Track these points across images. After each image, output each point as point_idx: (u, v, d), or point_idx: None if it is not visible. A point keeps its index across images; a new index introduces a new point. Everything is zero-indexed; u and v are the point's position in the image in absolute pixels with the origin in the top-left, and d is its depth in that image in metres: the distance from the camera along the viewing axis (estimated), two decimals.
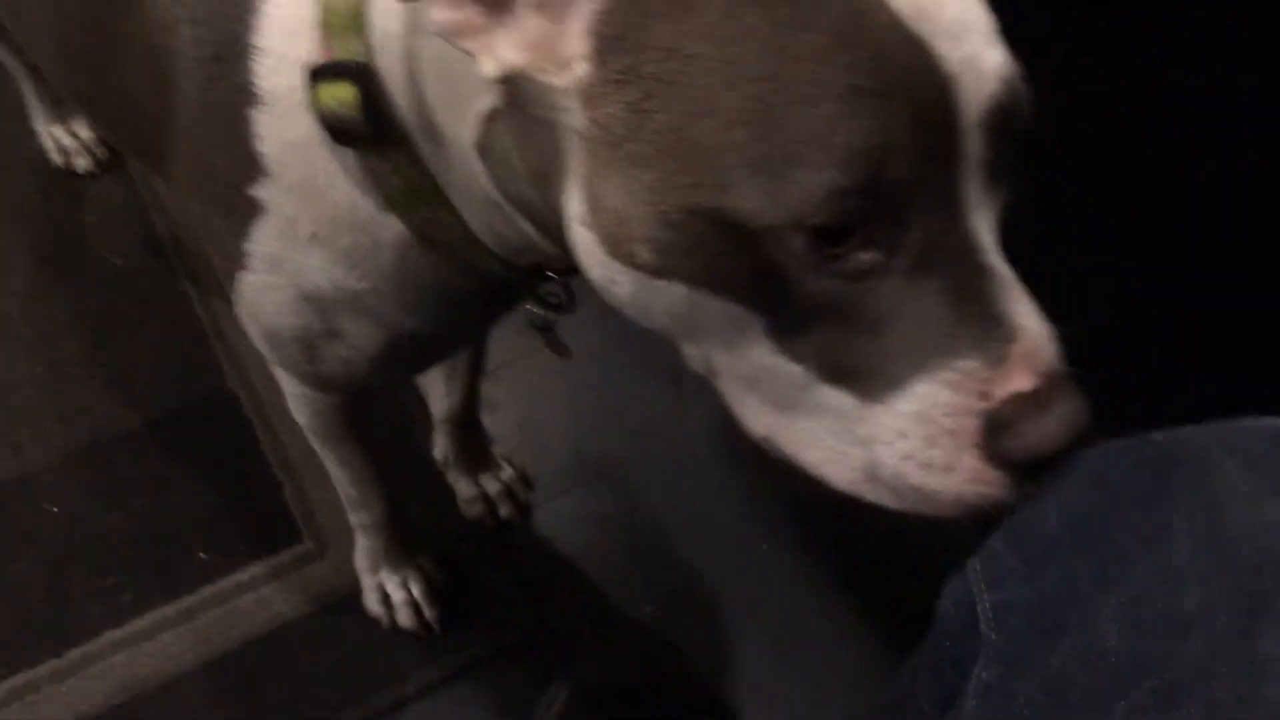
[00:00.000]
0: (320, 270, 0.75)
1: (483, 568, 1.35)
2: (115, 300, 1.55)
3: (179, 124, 0.77)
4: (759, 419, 0.59)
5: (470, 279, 0.75)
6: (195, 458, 1.41)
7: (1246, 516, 0.50)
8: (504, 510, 1.38)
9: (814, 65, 0.50)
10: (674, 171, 0.52)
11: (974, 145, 0.52)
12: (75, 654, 1.26)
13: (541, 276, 0.73)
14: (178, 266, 1.59)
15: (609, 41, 0.53)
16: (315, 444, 1.09)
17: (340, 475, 1.15)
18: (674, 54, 0.52)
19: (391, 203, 0.69)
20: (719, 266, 0.53)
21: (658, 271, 0.54)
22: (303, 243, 0.74)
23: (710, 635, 1.32)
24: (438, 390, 1.32)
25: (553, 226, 0.64)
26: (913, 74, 0.51)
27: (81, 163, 1.67)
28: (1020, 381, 0.52)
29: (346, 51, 0.65)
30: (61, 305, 1.55)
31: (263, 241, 0.75)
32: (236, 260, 0.78)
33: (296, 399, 1.00)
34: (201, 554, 1.34)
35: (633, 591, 1.34)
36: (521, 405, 1.48)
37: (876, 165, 0.50)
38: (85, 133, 1.66)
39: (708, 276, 0.53)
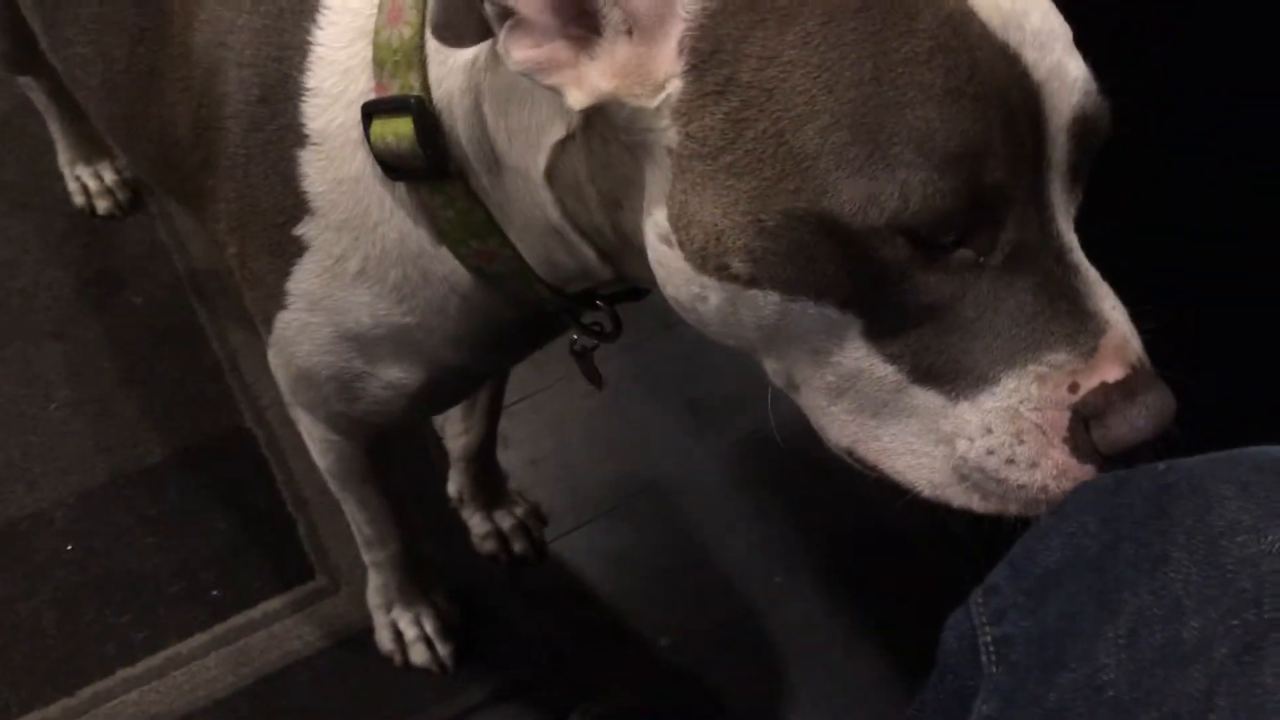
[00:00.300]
0: (365, 306, 0.75)
1: (497, 603, 1.35)
2: (135, 339, 1.57)
3: (221, 165, 0.77)
4: (843, 429, 0.60)
5: (517, 310, 0.75)
6: (210, 495, 1.42)
7: (1246, 548, 0.49)
8: (518, 546, 1.38)
9: (914, 69, 0.51)
10: (773, 178, 0.53)
11: (1059, 150, 0.54)
12: (87, 692, 1.26)
13: (590, 305, 0.74)
14: (196, 306, 1.60)
15: (705, 56, 0.54)
16: (334, 486, 1.09)
17: (358, 515, 1.14)
18: (773, 61, 0.53)
19: (444, 235, 0.70)
20: (817, 271, 0.54)
21: (752, 281, 0.55)
22: (348, 279, 0.74)
23: (725, 667, 1.32)
24: (454, 427, 1.33)
25: (617, 250, 0.65)
26: (1005, 81, 0.52)
27: (103, 205, 1.69)
28: (1110, 372, 0.54)
29: (402, 87, 0.66)
30: (82, 343, 1.56)
31: (305, 280, 0.76)
32: (276, 299, 0.78)
33: (322, 445, 1.00)
34: (215, 591, 1.34)
35: (648, 624, 1.34)
36: (535, 441, 1.48)
37: (974, 166, 0.51)
38: (109, 175, 1.69)
39: (805, 282, 0.54)
